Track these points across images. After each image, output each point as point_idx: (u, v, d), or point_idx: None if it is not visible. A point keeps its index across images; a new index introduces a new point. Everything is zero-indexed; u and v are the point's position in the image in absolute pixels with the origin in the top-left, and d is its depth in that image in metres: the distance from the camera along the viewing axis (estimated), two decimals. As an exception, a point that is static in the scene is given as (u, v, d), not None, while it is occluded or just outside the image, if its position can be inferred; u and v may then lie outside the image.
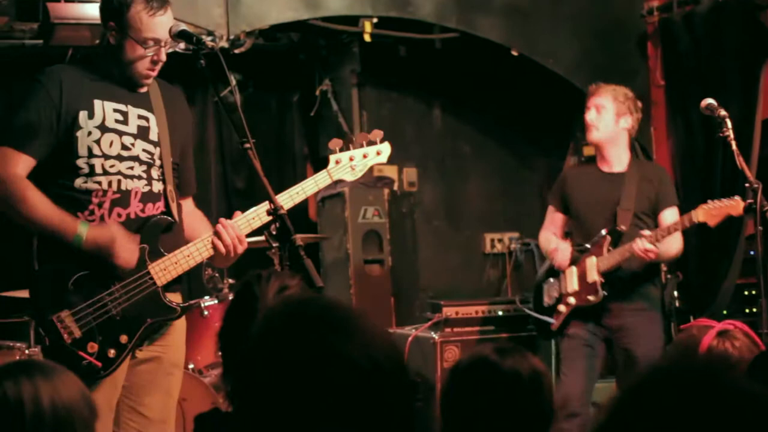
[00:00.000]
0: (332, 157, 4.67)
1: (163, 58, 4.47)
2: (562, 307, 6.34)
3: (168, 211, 4.53)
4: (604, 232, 6.21)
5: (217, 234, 4.47)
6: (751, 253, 7.62)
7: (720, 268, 7.66)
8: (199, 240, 4.49)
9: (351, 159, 4.73)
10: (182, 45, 7.92)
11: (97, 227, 4.31)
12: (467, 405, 2.91)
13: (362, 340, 1.84)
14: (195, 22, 4.55)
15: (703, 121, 7.69)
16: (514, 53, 8.34)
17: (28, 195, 4.29)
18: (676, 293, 7.87)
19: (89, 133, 4.38)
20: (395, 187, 8.97)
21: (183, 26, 4.45)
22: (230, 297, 6.80)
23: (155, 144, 4.53)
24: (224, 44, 7.27)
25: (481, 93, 9.21)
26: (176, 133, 4.64)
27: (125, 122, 4.47)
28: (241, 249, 4.53)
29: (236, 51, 7.85)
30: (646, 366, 1.59)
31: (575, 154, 6.94)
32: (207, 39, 4.43)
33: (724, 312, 7.35)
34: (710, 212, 5.87)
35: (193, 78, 9.04)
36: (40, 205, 4.29)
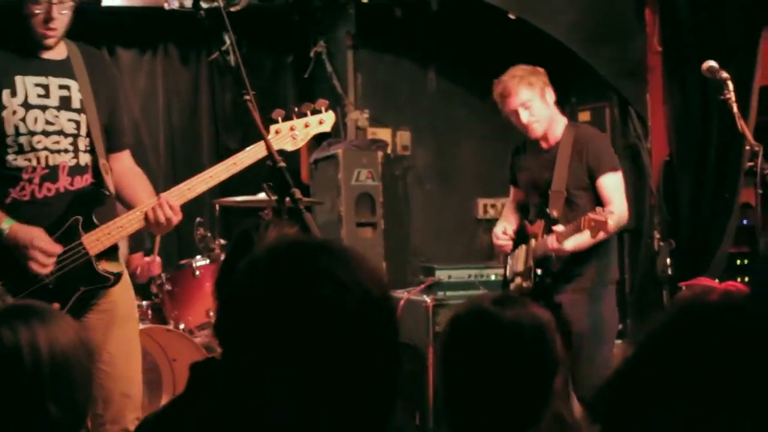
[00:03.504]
0: (272, 127, 4.60)
1: (55, 15, 4.42)
2: (512, 286, 6.26)
3: (101, 183, 4.60)
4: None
5: (152, 208, 4.49)
6: (744, 222, 7.62)
7: (713, 235, 7.65)
8: (133, 212, 4.55)
9: (292, 129, 4.68)
10: (176, 3, 7.91)
11: (21, 227, 4.35)
12: (467, 358, 2.86)
13: (351, 267, 1.81)
14: (191, -22, 4.48)
15: (700, 87, 7.66)
16: (512, 16, 8.29)
17: None
18: (668, 260, 7.85)
19: (14, 112, 4.43)
20: (389, 150, 8.94)
21: None
22: (222, 257, 6.78)
23: (79, 111, 4.56)
24: (220, 2, 7.21)
25: (477, 56, 9.15)
26: (101, 95, 4.66)
27: (47, 95, 4.50)
28: (175, 220, 4.57)
29: (232, 9, 7.80)
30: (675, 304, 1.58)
31: (571, 119, 6.90)
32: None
33: (717, 281, 7.33)
34: (590, 223, 5.63)
35: (187, 38, 9.02)
36: None
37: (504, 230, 6.34)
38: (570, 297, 6.02)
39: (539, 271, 6.06)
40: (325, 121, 4.80)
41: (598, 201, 5.95)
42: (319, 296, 1.77)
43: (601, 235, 5.68)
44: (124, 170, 4.82)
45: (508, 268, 6.40)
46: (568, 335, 6.03)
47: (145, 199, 4.63)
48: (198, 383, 2.87)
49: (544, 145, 6.18)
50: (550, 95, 6.13)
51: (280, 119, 4.65)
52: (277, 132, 4.63)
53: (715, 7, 7.78)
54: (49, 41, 4.49)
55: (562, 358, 2.93)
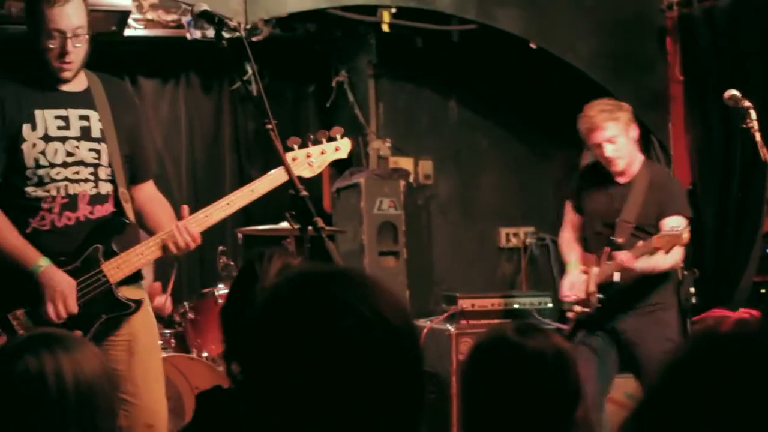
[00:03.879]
0: (289, 155, 4.61)
1: (70, 49, 4.45)
2: (570, 314, 6.28)
3: (121, 212, 4.62)
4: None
5: (171, 236, 4.54)
6: (767, 250, 7.59)
7: (737, 264, 7.63)
8: (152, 239, 4.59)
9: (308, 156, 4.73)
10: (198, 33, 7.95)
11: (56, 274, 4.39)
12: (489, 387, 2.86)
13: (371, 298, 1.80)
14: (213, 8, 4.50)
15: (721, 116, 7.66)
16: (533, 46, 8.30)
17: None
18: (692, 290, 7.82)
19: (34, 145, 4.46)
20: (411, 179, 8.94)
21: (204, 6, 4.43)
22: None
23: (99, 140, 4.59)
24: (242, 33, 7.23)
25: (498, 86, 9.17)
26: (122, 125, 4.68)
27: (67, 127, 4.53)
28: (193, 246, 4.62)
29: (253, 39, 7.82)
30: (681, 346, 1.60)
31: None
32: (228, 21, 4.38)
33: (731, 310, 7.31)
34: (662, 240, 5.79)
35: (209, 67, 9.05)
36: (5, 231, 4.40)
37: (572, 283, 6.31)
38: (634, 321, 6.08)
39: (600, 296, 6.10)
40: (341, 147, 4.84)
41: None
42: (341, 327, 1.75)
43: (675, 252, 5.88)
44: (147, 198, 4.85)
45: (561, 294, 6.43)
46: (634, 361, 6.07)
47: (168, 225, 4.67)
48: (205, 412, 2.88)
49: (621, 180, 6.22)
50: (634, 132, 6.18)
51: (296, 147, 4.69)
52: (293, 159, 4.66)
53: (737, 36, 7.78)
54: (66, 74, 4.52)
55: (583, 389, 2.93)
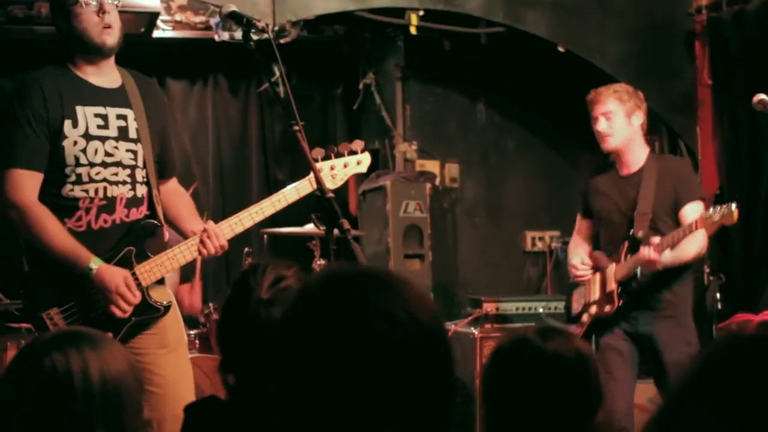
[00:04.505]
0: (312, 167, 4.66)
1: (108, 9, 4.49)
2: (585, 317, 6.21)
3: (154, 215, 4.66)
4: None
5: (202, 241, 4.59)
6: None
7: (764, 269, 7.60)
8: (184, 243, 4.63)
9: (332, 168, 4.79)
10: (226, 35, 7.97)
11: (108, 270, 4.42)
12: (510, 390, 2.87)
13: (402, 298, 1.81)
14: (241, 10, 4.52)
15: (750, 121, 7.64)
16: (561, 49, 8.29)
17: (47, 224, 4.41)
18: (718, 295, 7.79)
19: (75, 143, 4.47)
20: (437, 182, 8.95)
21: (233, 7, 4.45)
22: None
23: (136, 141, 4.62)
24: (270, 35, 7.24)
25: (525, 89, 9.17)
26: (153, 123, 4.71)
27: (106, 126, 4.55)
28: (221, 252, 4.67)
29: (281, 41, 7.84)
30: (708, 348, 1.60)
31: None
32: (256, 22, 4.39)
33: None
34: (707, 221, 5.62)
35: (237, 69, 9.08)
36: (58, 234, 4.40)
37: (582, 261, 6.29)
38: (658, 326, 5.97)
39: (621, 292, 6.02)
40: (363, 161, 4.90)
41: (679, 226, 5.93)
42: (374, 330, 1.76)
43: (698, 239, 5.79)
44: (169, 192, 4.89)
45: (575, 300, 6.37)
46: (655, 366, 6.01)
47: (188, 217, 4.78)
48: (193, 424, 2.88)
49: (624, 171, 6.14)
50: (638, 119, 6.08)
51: (320, 158, 4.71)
52: (318, 171, 4.69)
53: (766, 40, 7.75)
54: (108, 40, 4.51)
55: (603, 392, 2.94)
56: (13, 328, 6.52)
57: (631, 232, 5.98)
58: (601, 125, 6.08)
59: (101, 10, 4.47)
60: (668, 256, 5.80)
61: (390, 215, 8.42)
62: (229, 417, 2.80)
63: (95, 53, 4.55)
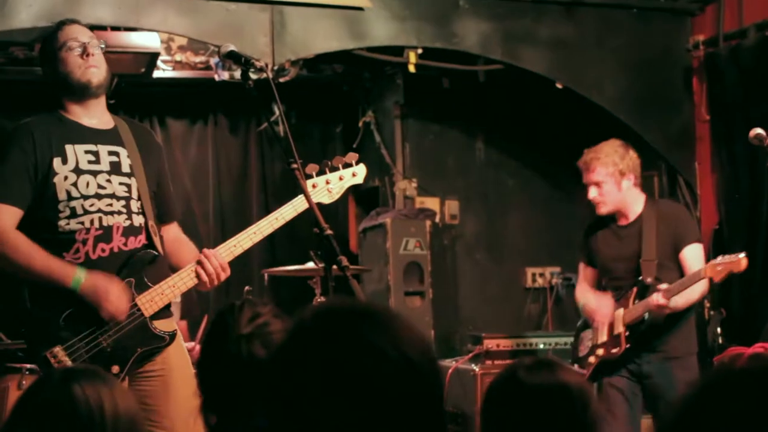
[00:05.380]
0: (309, 182, 4.69)
1: (92, 51, 4.59)
2: (592, 359, 6.30)
3: (151, 245, 4.64)
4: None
5: (200, 263, 4.57)
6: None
7: (764, 304, 7.59)
8: (183, 270, 4.61)
9: (327, 182, 4.79)
10: (225, 75, 8.00)
11: (95, 274, 4.41)
12: (501, 426, 2.89)
13: (394, 334, 1.83)
14: (241, 50, 4.56)
15: (748, 156, 7.64)
16: (559, 86, 8.32)
17: (21, 246, 4.42)
18: (719, 330, 7.79)
19: (65, 178, 4.50)
20: (437, 219, 8.96)
21: (232, 47, 4.49)
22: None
23: (129, 175, 4.63)
24: (269, 74, 7.26)
25: (524, 125, 9.20)
26: (149, 164, 4.74)
27: (97, 161, 4.58)
28: (224, 276, 4.65)
29: (281, 80, 7.87)
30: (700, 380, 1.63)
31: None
32: (255, 61, 4.43)
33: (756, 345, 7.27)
34: (715, 269, 5.82)
35: (237, 108, 9.12)
36: (35, 253, 4.41)
37: (600, 305, 6.36)
38: (660, 366, 6.11)
39: (629, 336, 6.12)
40: (358, 173, 4.90)
41: (682, 270, 6.11)
42: (365, 367, 1.78)
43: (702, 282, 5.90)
44: (173, 239, 4.90)
45: (582, 342, 6.44)
46: (655, 404, 6.07)
47: (195, 255, 4.72)
48: None
49: (623, 221, 6.33)
50: (628, 182, 6.26)
51: (314, 174, 4.72)
52: (313, 186, 4.74)
53: (763, 75, 7.78)
54: (93, 77, 4.59)
55: (599, 422, 2.94)
56: (15, 368, 6.50)
57: (639, 278, 6.09)
58: (592, 194, 6.29)
59: (85, 53, 4.56)
60: (683, 299, 5.92)
61: (390, 252, 8.43)
62: None
63: (81, 92, 4.61)
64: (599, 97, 8.35)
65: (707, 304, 7.98)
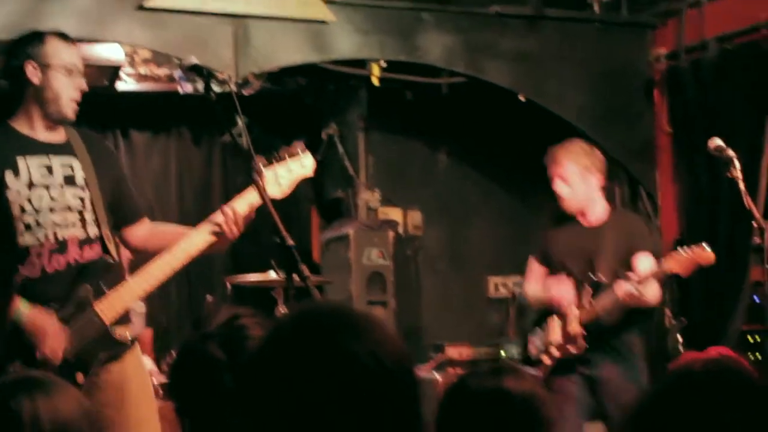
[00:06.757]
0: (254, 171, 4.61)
1: (85, 86, 4.58)
2: (546, 358, 6.27)
3: (107, 253, 4.62)
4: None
5: (217, 224, 4.58)
6: (756, 299, 7.61)
7: (725, 313, 7.64)
8: (139, 274, 4.59)
9: (277, 176, 4.73)
10: (189, 87, 8.00)
11: (37, 313, 4.37)
12: (450, 430, 2.91)
13: (369, 341, 1.83)
14: (204, 62, 4.57)
15: (708, 167, 7.71)
16: (522, 98, 8.36)
17: None
18: (680, 338, 7.84)
19: (19, 192, 4.47)
20: (400, 230, 8.98)
21: (194, 60, 4.49)
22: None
23: (83, 188, 4.60)
24: (232, 87, 7.27)
25: (487, 138, 9.23)
26: (104, 173, 4.71)
27: (51, 174, 4.55)
28: (240, 226, 4.62)
29: (244, 92, 7.88)
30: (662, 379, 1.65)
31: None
32: (218, 74, 4.44)
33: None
34: (680, 261, 5.81)
35: (200, 121, 9.11)
36: None
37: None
38: (611, 369, 6.10)
39: (586, 336, 6.11)
40: (306, 164, 4.84)
41: None
42: (337, 376, 1.78)
43: (656, 286, 5.91)
44: (148, 232, 4.89)
45: (532, 343, 6.42)
46: (606, 406, 6.08)
47: (181, 234, 4.70)
48: None
49: (584, 222, 6.34)
50: (595, 180, 6.29)
51: (262, 166, 4.68)
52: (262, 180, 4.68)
53: (723, 88, 7.85)
54: (73, 114, 4.57)
55: (548, 429, 2.96)
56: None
57: (595, 278, 6.08)
58: (557, 186, 6.29)
59: (79, 86, 4.54)
60: (651, 293, 5.92)
61: (353, 263, 8.45)
62: None
63: (54, 120, 4.58)
64: (561, 109, 8.40)
65: (668, 313, 8.04)
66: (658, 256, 6.14)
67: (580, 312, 6.11)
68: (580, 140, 6.46)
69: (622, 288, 5.91)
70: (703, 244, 5.82)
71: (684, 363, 3.48)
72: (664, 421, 1.57)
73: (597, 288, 6.10)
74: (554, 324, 6.25)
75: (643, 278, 5.89)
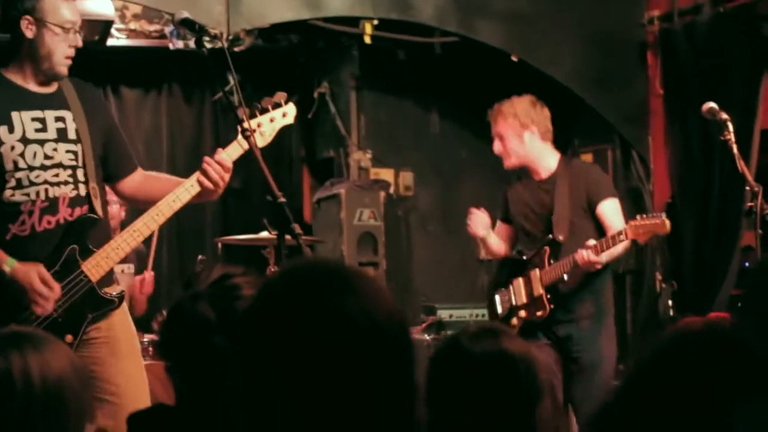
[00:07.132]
0: (239, 127, 4.56)
1: (80, 43, 4.52)
2: (514, 321, 6.27)
3: (92, 209, 4.58)
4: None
5: (203, 172, 4.62)
6: (745, 264, 7.63)
7: (715, 277, 7.65)
8: (126, 231, 4.57)
9: (259, 125, 4.71)
10: (180, 44, 7.95)
11: (20, 269, 4.35)
12: (446, 394, 2.89)
13: (361, 298, 1.80)
14: (195, 18, 4.52)
15: (701, 130, 7.70)
16: (514, 59, 8.33)
17: None
18: (670, 302, 7.85)
19: (12, 148, 4.43)
20: (391, 191, 8.97)
21: (186, 14, 4.45)
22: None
23: (75, 141, 4.57)
24: (224, 43, 7.21)
25: (479, 98, 9.17)
26: (95, 124, 4.67)
27: (44, 129, 4.51)
28: (227, 177, 4.65)
29: (236, 49, 7.83)
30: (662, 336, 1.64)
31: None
32: (210, 29, 4.40)
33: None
34: (637, 229, 5.76)
35: (191, 78, 9.06)
36: None
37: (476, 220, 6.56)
38: (575, 327, 6.08)
39: (550, 298, 6.09)
40: (288, 113, 4.84)
41: (599, 227, 6.08)
42: (331, 336, 1.76)
43: (642, 238, 5.84)
44: (143, 178, 4.87)
45: (498, 302, 6.41)
46: (569, 364, 6.08)
47: (174, 183, 4.73)
48: None
49: (535, 177, 6.31)
50: (531, 136, 6.24)
51: (245, 117, 4.66)
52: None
53: (716, 51, 7.83)
54: (66, 70, 4.52)
55: (547, 387, 2.96)
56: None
57: (550, 236, 6.07)
58: (496, 147, 6.38)
59: (74, 44, 4.49)
60: (606, 256, 5.89)
61: (344, 223, 8.44)
62: (176, 423, 2.75)
63: (46, 76, 4.54)
64: (554, 70, 8.37)
65: (659, 277, 8.04)
66: (614, 194, 6.19)
67: (542, 273, 6.11)
68: (522, 97, 6.41)
69: (584, 256, 5.85)
70: (662, 214, 5.78)
71: (682, 325, 3.48)
72: (664, 380, 1.56)
73: (555, 247, 6.09)
74: (519, 286, 6.25)
75: (605, 246, 5.84)
